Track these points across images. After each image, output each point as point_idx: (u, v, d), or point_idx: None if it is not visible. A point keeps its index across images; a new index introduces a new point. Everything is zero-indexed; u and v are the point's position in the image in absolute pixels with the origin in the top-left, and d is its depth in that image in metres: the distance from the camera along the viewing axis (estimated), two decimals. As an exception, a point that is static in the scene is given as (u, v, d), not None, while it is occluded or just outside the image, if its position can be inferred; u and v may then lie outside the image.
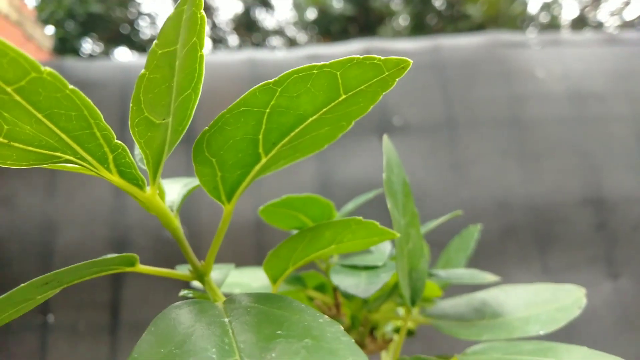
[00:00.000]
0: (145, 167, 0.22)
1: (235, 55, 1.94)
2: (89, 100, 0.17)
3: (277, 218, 0.33)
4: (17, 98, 0.16)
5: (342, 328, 0.17)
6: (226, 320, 0.19)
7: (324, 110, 0.21)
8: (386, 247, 0.36)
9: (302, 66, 0.19)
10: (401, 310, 0.43)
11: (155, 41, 0.17)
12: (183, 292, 0.24)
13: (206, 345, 0.17)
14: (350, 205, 0.37)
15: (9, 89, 0.16)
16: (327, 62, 0.19)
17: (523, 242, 1.52)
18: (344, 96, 0.21)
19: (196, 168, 0.22)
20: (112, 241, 1.77)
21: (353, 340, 0.16)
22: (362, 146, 1.75)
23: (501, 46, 1.78)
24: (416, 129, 1.74)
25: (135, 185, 0.21)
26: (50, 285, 0.21)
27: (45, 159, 0.20)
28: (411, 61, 0.20)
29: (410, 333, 0.37)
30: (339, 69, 0.20)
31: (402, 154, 1.71)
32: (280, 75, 0.19)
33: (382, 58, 0.20)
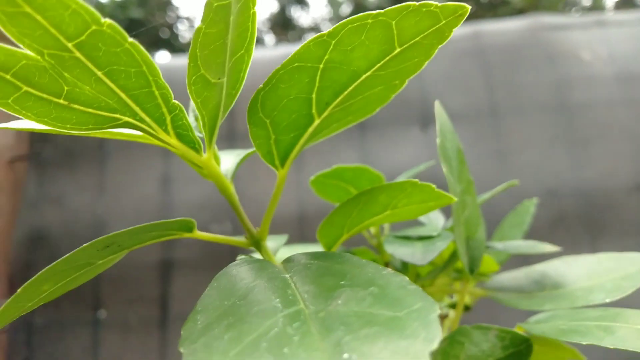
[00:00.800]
0: (200, 132, 0.22)
1: (273, 52, 1.95)
2: (148, 55, 0.17)
3: (328, 190, 0.32)
4: (78, 54, 0.16)
5: (407, 278, 0.16)
6: (287, 275, 0.19)
7: (378, 65, 0.21)
8: (439, 219, 0.35)
9: (356, 15, 0.18)
10: (456, 286, 0.42)
11: (210, -7, 0.17)
12: (240, 257, 0.24)
13: (270, 296, 0.17)
14: (401, 177, 0.36)
15: (70, 45, 0.16)
16: (382, 10, 0.19)
17: (573, 230, 1.47)
18: (398, 49, 0.20)
19: (251, 130, 0.22)
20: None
21: (420, 289, 0.16)
22: (403, 137, 1.73)
23: (544, 29, 1.72)
24: (459, 117, 1.70)
25: (193, 148, 0.22)
26: (111, 249, 0.21)
27: (104, 122, 0.20)
28: (469, 7, 0.19)
29: (466, 308, 0.36)
30: (394, 17, 0.19)
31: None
32: (334, 25, 0.19)
33: (439, 4, 0.19)
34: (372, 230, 0.37)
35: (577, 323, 0.25)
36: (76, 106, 0.19)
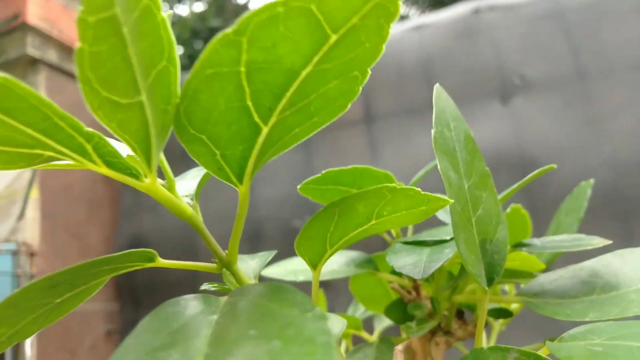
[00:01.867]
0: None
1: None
2: (30, 89, 0.16)
3: (327, 196, 0.29)
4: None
5: (328, 324, 0.13)
6: (214, 317, 0.16)
7: (316, 59, 0.18)
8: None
9: (261, 5, 0.15)
10: (506, 288, 0.37)
11: (80, 8, 0.15)
12: (204, 286, 0.22)
13: (181, 345, 0.15)
14: (421, 173, 0.32)
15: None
16: (292, -6, 0.15)
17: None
18: (334, 37, 0.17)
19: (187, 148, 0.19)
20: (246, 235, 1.87)
21: (333, 340, 0.12)
22: (483, 112, 1.62)
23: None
24: (542, 86, 1.56)
25: (128, 175, 0.20)
26: (61, 288, 0.20)
27: (31, 158, 0.19)
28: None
29: (506, 314, 0.31)
30: (310, 1, 0.16)
31: (529, 115, 1.55)
32: (238, 21, 0.16)
33: (362, -25, 0.15)
34: (394, 232, 0.34)
35: (616, 343, 0.20)
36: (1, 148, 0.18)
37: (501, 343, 0.33)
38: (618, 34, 1.48)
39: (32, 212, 1.26)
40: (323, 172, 0.27)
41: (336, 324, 0.25)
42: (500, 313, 0.31)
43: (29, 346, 1.30)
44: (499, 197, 0.27)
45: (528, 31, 1.58)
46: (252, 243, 1.84)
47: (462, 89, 1.64)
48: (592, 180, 0.34)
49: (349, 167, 0.27)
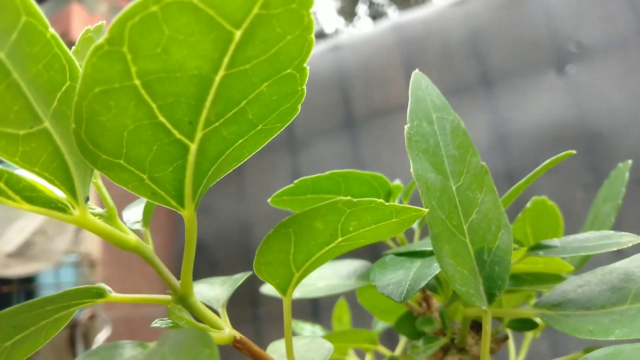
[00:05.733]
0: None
1: (380, 26, 1.86)
2: None
3: (307, 207, 0.26)
4: None
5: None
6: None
7: (226, 61, 0.15)
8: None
9: (129, 6, 0.13)
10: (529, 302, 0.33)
11: None
12: (155, 323, 0.20)
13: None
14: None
15: None
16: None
17: None
18: (238, 32, 0.14)
19: (108, 176, 0.17)
20: (247, 252, 1.88)
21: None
22: (538, 84, 1.52)
23: None
24: (600, 51, 1.43)
25: (54, 209, 0.18)
26: (1, 332, 0.19)
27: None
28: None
29: (531, 326, 0.27)
30: (191, -7, 0.13)
31: (588, 84, 1.42)
32: (109, 28, 0.13)
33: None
34: (398, 238, 0.30)
35: (640, 377, 0.16)
36: None
37: (537, 350, 0.29)
38: (686, -16, 1.33)
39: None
40: (295, 181, 0.24)
41: (320, 351, 0.22)
42: (524, 325, 0.27)
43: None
44: (500, 198, 0.23)
45: (583, -8, 1.45)
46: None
47: (514, 62, 1.54)
48: (629, 161, 0.29)
49: (327, 173, 0.24)
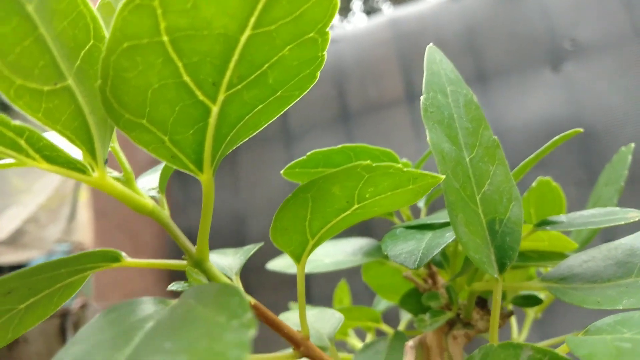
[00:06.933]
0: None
1: (375, 20, 1.86)
2: None
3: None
4: None
5: (250, 335, 0.11)
6: (149, 325, 0.14)
7: (253, 20, 0.15)
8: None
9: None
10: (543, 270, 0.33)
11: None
12: (172, 286, 0.20)
13: (104, 355, 0.13)
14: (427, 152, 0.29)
15: None
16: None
17: None
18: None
19: (129, 136, 0.17)
20: (256, 234, 1.88)
21: (246, 356, 0.10)
22: (533, 80, 1.52)
23: None
24: (595, 49, 1.44)
25: (73, 169, 0.18)
26: (18, 294, 0.19)
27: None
28: None
29: (536, 302, 0.28)
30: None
31: (583, 81, 1.44)
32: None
33: None
34: (404, 214, 0.31)
35: (650, 338, 0.16)
36: None
37: (538, 331, 0.30)
38: (681, -17, 1.35)
39: (85, 213, 1.31)
40: (308, 153, 0.24)
41: (330, 321, 0.23)
42: (528, 301, 0.28)
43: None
44: (513, 171, 0.24)
45: (578, -10, 1.46)
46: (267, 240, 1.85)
47: (509, 58, 1.55)
48: (632, 145, 0.30)
49: (339, 146, 0.24)
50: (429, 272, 0.29)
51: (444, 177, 0.19)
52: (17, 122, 0.16)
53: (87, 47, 0.17)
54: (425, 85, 0.21)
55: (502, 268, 0.21)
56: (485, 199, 0.21)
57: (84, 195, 1.25)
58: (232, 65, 0.16)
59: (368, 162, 0.18)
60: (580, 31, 1.42)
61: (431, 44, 0.22)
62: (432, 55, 0.22)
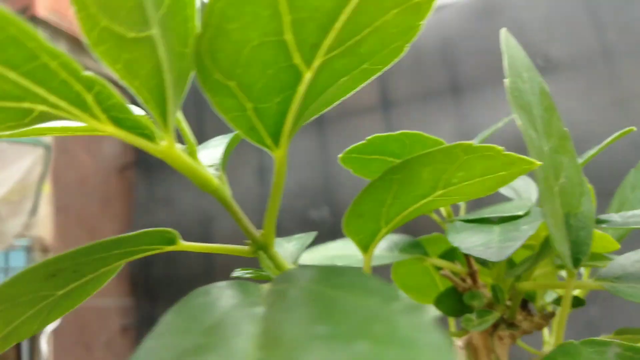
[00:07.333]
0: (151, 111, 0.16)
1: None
2: (13, 15, 0.12)
3: (370, 168, 0.25)
4: None
5: (430, 317, 0.09)
6: (260, 310, 0.12)
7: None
8: (530, 190, 0.27)
9: None
10: (564, 274, 0.33)
11: None
12: (237, 273, 0.18)
13: (220, 349, 0.11)
14: (486, 133, 0.28)
15: None
16: None
17: None
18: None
19: (213, 101, 0.15)
20: (261, 226, 1.84)
21: (449, 340, 0.08)
22: (503, 96, 1.56)
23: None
24: (565, 66, 1.49)
25: (140, 135, 0.16)
26: (63, 277, 0.17)
27: (21, 116, 0.15)
28: None
29: (578, 303, 0.27)
30: None
31: (554, 97, 1.49)
32: None
33: None
34: (443, 211, 0.29)
35: None
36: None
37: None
38: (646, 10, 1.41)
39: (45, 207, 1.24)
40: (368, 137, 0.23)
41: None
42: (572, 301, 0.27)
43: (44, 341, 1.28)
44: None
45: (550, 9, 1.52)
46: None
47: (484, 71, 1.58)
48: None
49: (397, 132, 0.23)
50: (470, 271, 0.28)
51: (540, 163, 0.18)
52: (88, 73, 0.14)
53: (174, -7, 0.15)
54: (508, 69, 0.20)
55: (576, 263, 0.20)
56: (562, 191, 0.20)
57: (46, 189, 1.19)
58: (338, 25, 0.15)
59: (470, 142, 0.16)
60: (553, 49, 1.47)
61: (504, 28, 0.21)
62: (508, 39, 0.21)
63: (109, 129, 0.15)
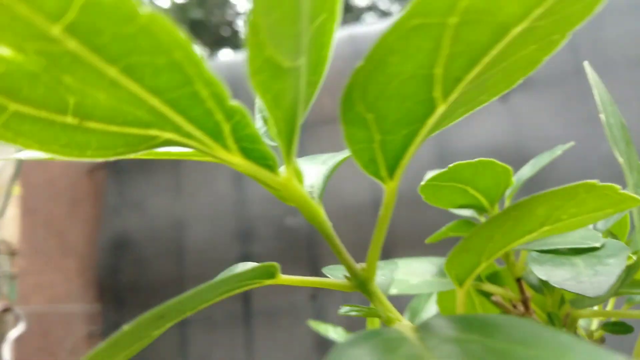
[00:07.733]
0: (272, 140, 0.15)
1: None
2: (181, 35, 0.11)
3: (440, 194, 0.25)
4: (72, 44, 0.10)
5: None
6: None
7: (539, 10, 0.13)
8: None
9: None
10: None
11: None
12: (344, 310, 0.17)
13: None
14: (526, 170, 0.28)
15: (56, 30, 0.10)
16: None
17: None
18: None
19: (346, 132, 0.15)
20: (237, 233, 1.80)
21: None
22: (482, 109, 1.59)
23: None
24: (540, 83, 1.54)
25: (265, 167, 0.15)
26: (167, 318, 0.15)
27: (138, 142, 0.14)
28: None
29: (626, 329, 0.28)
30: None
31: (528, 112, 1.53)
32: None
33: None
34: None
35: None
36: (92, 124, 0.13)
37: None
38: (616, 29, 1.48)
39: (13, 209, 1.18)
40: (450, 165, 0.22)
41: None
42: (619, 328, 0.28)
43: (7, 348, 1.22)
44: None
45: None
46: (244, 242, 1.79)
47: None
48: None
49: (475, 160, 0.23)
50: (522, 297, 0.28)
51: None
52: (234, 102, 0.13)
53: (319, 20, 0.14)
54: (600, 102, 0.20)
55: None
56: (646, 226, 0.20)
57: (16, 191, 1.13)
58: (484, 60, 0.14)
59: (593, 181, 0.16)
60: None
61: (586, 62, 0.22)
62: (593, 73, 0.21)
63: (236, 159, 0.14)
